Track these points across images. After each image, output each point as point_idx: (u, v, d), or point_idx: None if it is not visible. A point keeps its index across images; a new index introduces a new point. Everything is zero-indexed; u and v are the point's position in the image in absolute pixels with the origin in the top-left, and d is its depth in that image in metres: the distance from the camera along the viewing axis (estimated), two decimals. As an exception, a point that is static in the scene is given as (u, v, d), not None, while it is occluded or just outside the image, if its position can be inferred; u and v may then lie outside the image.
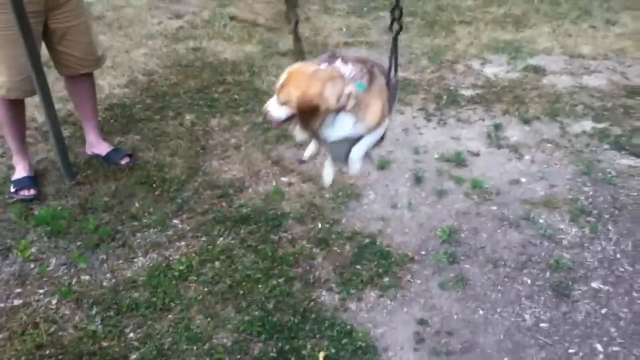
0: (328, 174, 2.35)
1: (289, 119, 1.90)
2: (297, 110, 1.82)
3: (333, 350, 2.31)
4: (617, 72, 4.57)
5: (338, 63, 1.90)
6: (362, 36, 5.34)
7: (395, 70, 2.08)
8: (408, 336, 2.40)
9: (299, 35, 2.11)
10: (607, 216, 3.01)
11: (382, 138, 2.12)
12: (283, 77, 1.85)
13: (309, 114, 1.82)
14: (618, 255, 2.77)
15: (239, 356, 2.29)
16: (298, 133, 2.11)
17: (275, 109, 1.89)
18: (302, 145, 3.65)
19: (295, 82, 1.82)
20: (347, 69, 1.88)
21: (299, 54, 2.14)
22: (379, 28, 5.44)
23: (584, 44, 5.10)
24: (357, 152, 2.04)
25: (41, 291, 2.57)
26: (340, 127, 1.90)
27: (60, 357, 2.25)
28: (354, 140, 2.00)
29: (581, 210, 3.04)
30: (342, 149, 2.06)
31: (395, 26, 2.02)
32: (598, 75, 4.53)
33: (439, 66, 4.74)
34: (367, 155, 2.12)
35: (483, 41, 5.20)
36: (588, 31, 5.40)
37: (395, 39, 2.04)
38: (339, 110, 1.84)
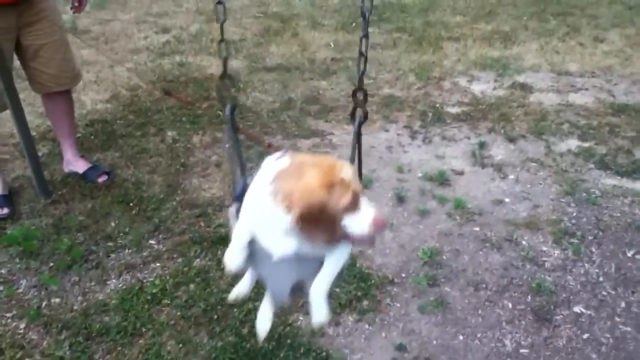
0: (264, 322, 1.77)
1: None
2: (320, 216, 1.31)
3: (308, 378, 2.25)
4: (604, 89, 4.56)
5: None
6: (350, 52, 5.31)
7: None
8: (385, 362, 2.34)
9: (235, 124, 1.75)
10: (590, 238, 2.97)
11: (340, 275, 1.59)
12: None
13: (333, 218, 1.33)
14: (601, 279, 2.72)
15: (210, 384, 2.22)
16: (234, 257, 1.50)
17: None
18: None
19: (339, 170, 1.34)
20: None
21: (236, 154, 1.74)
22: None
23: (572, 61, 5.09)
24: (320, 287, 1.49)
25: (9, 315, 2.50)
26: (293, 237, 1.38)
27: (24, 385, 2.18)
28: (309, 264, 1.49)
29: (564, 232, 2.99)
30: (286, 279, 1.52)
31: (359, 114, 1.56)
32: (585, 93, 4.51)
33: (426, 83, 4.72)
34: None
35: (471, 58, 5.19)
36: (576, 48, 5.40)
37: (358, 137, 1.54)
38: None
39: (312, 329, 2.46)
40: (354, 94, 1.57)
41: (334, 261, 1.49)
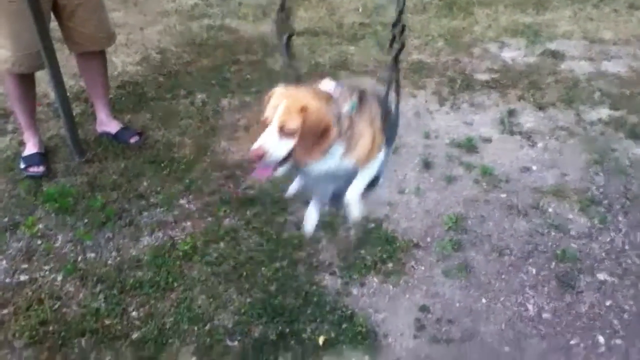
0: (311, 219, 2.11)
1: (286, 158, 1.59)
2: (304, 135, 1.54)
3: (333, 335, 2.32)
4: (638, 58, 4.45)
5: (325, 82, 1.73)
6: (379, 16, 5.25)
7: (397, 100, 1.84)
8: (409, 323, 2.39)
9: (290, 48, 1.84)
10: (617, 207, 2.96)
11: (376, 180, 1.86)
12: (280, 101, 1.56)
13: (316, 140, 1.56)
14: (626, 247, 2.72)
15: (239, 338, 2.31)
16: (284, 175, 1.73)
17: (276, 145, 1.55)
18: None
19: (301, 103, 1.55)
20: (335, 89, 1.69)
21: (291, 75, 1.83)
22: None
23: (606, 28, 4.97)
24: (353, 192, 1.79)
25: (47, 267, 2.61)
26: (327, 158, 1.64)
27: (63, 333, 2.29)
28: (342, 178, 1.77)
29: (591, 200, 2.99)
30: (328, 186, 1.87)
31: (397, 43, 1.73)
32: (618, 61, 4.42)
33: (456, 49, 4.65)
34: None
35: (502, 24, 5.09)
36: (610, 15, 5.26)
37: (395, 61, 1.74)
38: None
39: (337, 290, 2.53)
40: (393, 25, 1.73)
41: (363, 174, 1.78)
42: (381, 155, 1.80)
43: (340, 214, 2.68)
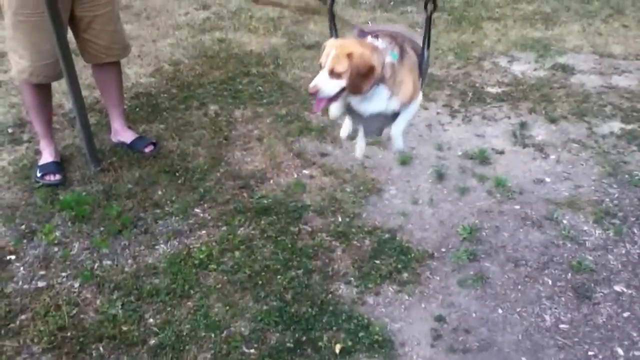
0: (361, 147, 2.50)
1: (337, 94, 1.96)
2: (353, 75, 1.89)
3: (349, 343, 2.32)
4: (649, 73, 4.48)
5: (369, 39, 2.00)
6: (388, 31, 5.29)
7: (428, 47, 2.17)
8: (425, 332, 2.39)
9: (334, 13, 2.21)
10: (632, 219, 2.96)
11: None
12: (331, 50, 1.92)
13: (363, 78, 1.91)
14: (643, 259, 2.72)
15: (255, 345, 2.31)
16: (334, 109, 2.20)
17: (327, 84, 1.93)
18: (325, 139, 3.68)
19: (348, 50, 1.90)
20: (379, 43, 1.99)
21: (332, 32, 2.18)
22: (405, 22, 5.40)
23: (615, 43, 5.00)
24: (397, 127, 2.23)
25: (64, 274, 2.62)
26: (377, 101, 2.02)
27: (81, 339, 2.29)
28: (387, 116, 2.14)
29: (606, 212, 2.99)
30: (375, 124, 2.26)
31: (430, 6, 2.11)
32: (628, 75, 4.44)
33: (466, 62, 4.69)
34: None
35: (511, 38, 5.13)
36: (620, 30, 5.29)
37: (429, 18, 2.14)
38: (380, 80, 1.95)
39: (353, 299, 2.53)
40: None
41: (405, 113, 2.15)
42: (420, 97, 2.16)
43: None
